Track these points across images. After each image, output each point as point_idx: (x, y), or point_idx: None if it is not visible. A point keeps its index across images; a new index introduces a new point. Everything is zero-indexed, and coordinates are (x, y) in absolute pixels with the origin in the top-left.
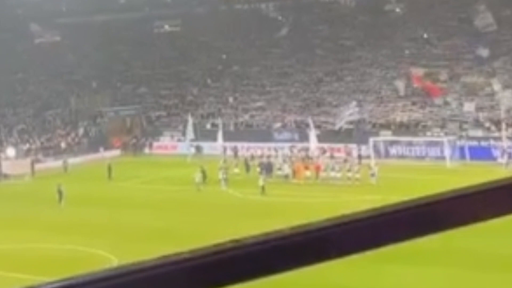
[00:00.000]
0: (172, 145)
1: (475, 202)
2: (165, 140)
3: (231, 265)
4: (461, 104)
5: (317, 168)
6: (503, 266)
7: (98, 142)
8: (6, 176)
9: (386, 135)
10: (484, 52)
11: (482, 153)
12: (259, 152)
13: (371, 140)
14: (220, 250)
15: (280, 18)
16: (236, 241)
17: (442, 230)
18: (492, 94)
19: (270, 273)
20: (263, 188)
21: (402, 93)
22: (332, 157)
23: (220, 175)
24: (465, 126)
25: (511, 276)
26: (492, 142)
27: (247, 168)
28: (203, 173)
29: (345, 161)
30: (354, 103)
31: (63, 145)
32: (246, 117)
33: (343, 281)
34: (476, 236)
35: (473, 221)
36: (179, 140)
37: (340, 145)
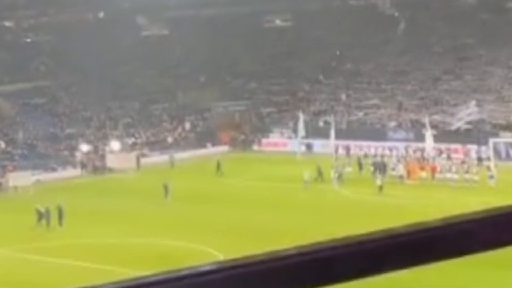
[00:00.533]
0: (282, 142)
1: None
2: (275, 137)
3: (326, 265)
4: None
5: (433, 169)
6: None
7: (206, 138)
8: (110, 169)
9: (507, 137)
10: None
11: None
12: (372, 151)
13: (491, 141)
14: (314, 250)
15: (396, 14)
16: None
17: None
18: None
19: (363, 276)
20: (380, 187)
21: None
22: (449, 158)
23: (332, 174)
24: None
25: None
26: None
27: (360, 167)
28: (319, 171)
29: (463, 162)
30: (473, 102)
31: (169, 139)
32: (360, 114)
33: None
34: None
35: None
36: (289, 137)
37: (458, 146)
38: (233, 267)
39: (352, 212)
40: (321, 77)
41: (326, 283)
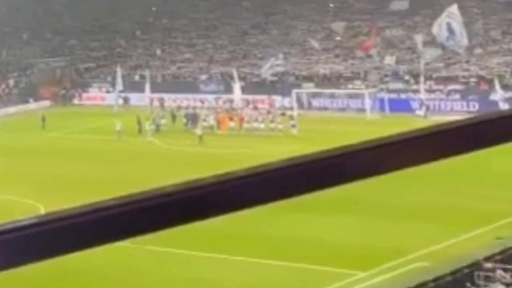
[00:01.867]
0: (101, 96)
1: (388, 153)
2: (94, 91)
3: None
4: (382, 57)
5: (241, 119)
6: (407, 215)
7: (28, 93)
8: None
9: (309, 87)
10: (404, 5)
11: (401, 105)
12: (185, 103)
13: (294, 92)
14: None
15: None
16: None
17: (349, 181)
18: (412, 48)
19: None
20: (200, 137)
21: (324, 46)
22: (255, 108)
23: (148, 126)
24: (385, 79)
25: (415, 225)
26: (411, 94)
27: (174, 118)
28: (138, 122)
29: (268, 112)
30: (280, 55)
31: None
32: (173, 69)
33: (257, 229)
34: (381, 187)
35: (383, 172)
36: (107, 91)
37: (264, 97)
38: (54, 220)
39: (168, 161)
40: (138, 32)
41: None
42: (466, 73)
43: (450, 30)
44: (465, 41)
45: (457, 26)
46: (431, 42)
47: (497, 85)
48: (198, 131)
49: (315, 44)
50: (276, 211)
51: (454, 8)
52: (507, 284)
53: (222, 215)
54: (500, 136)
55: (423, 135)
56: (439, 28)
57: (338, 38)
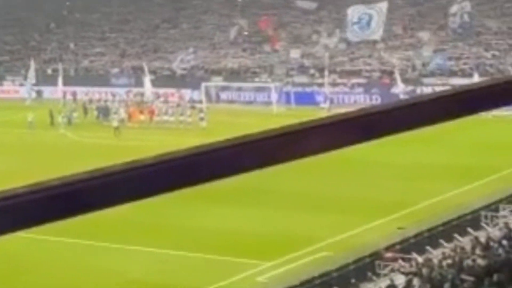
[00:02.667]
0: (14, 90)
1: (287, 142)
2: (8, 85)
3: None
4: (288, 52)
5: (151, 113)
6: (309, 205)
7: None
8: None
9: (217, 81)
10: (312, 5)
11: (306, 99)
12: (97, 97)
13: (203, 85)
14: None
15: None
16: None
17: (249, 170)
18: (317, 42)
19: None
20: (116, 129)
21: (232, 39)
22: (166, 101)
23: (60, 119)
24: (291, 72)
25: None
26: (315, 88)
27: (85, 111)
28: (50, 115)
29: (178, 105)
30: (191, 49)
31: None
32: (86, 62)
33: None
34: (282, 178)
35: (283, 161)
36: (21, 85)
37: (174, 90)
38: None
39: (79, 153)
40: (52, 26)
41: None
42: (368, 67)
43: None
44: (379, 34)
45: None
46: (336, 36)
47: (398, 79)
48: (115, 123)
49: (232, 34)
50: (173, 202)
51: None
52: (406, 274)
53: (128, 203)
54: (394, 126)
55: (321, 125)
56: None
57: (245, 33)
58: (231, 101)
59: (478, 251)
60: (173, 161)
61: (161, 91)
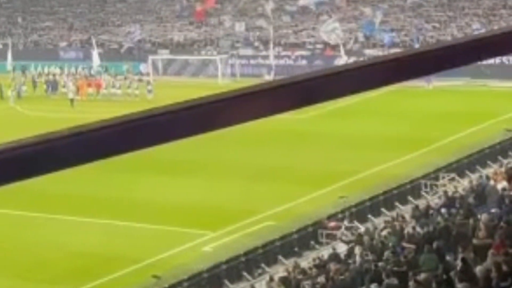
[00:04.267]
0: None
1: (220, 109)
2: None
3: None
4: (233, 24)
5: (99, 86)
6: (252, 175)
7: None
8: None
9: (164, 54)
10: None
11: (251, 71)
12: (45, 71)
13: (150, 58)
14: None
15: None
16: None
17: (185, 136)
18: (262, 15)
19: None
20: (72, 101)
21: (178, 13)
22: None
23: (10, 93)
24: (236, 45)
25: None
26: (260, 60)
27: (34, 85)
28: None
29: (125, 78)
30: (137, 24)
31: None
32: (35, 36)
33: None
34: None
35: (217, 127)
36: None
37: (121, 63)
38: None
39: (29, 126)
40: (0, 0)
41: None
42: (312, 40)
43: None
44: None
45: None
46: (280, 9)
47: (342, 51)
48: (71, 95)
49: (178, 7)
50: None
51: None
52: (347, 242)
53: (73, 167)
54: (331, 92)
55: (259, 90)
56: None
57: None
58: (178, 74)
59: (418, 219)
60: (117, 126)
61: (109, 64)
